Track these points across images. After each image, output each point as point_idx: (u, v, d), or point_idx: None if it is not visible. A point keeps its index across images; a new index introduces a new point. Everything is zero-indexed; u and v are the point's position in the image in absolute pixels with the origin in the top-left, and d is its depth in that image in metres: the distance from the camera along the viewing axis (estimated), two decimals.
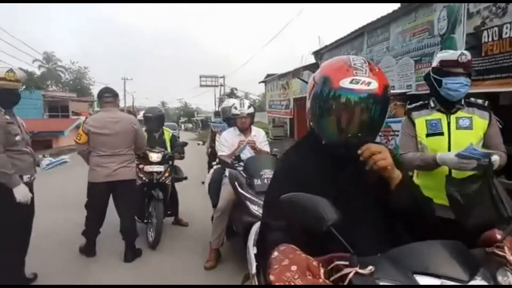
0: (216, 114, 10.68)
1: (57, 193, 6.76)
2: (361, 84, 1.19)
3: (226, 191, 3.87)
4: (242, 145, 3.92)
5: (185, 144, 5.29)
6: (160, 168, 4.65)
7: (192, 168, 5.44)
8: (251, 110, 4.08)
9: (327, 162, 1.32)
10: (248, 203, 3.26)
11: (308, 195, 1.05)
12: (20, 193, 3.02)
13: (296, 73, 9.21)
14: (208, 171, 9.24)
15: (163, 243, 4.51)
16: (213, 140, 9.25)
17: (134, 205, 4.23)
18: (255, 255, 1.99)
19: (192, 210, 5.93)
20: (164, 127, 5.25)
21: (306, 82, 11.34)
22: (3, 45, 30.94)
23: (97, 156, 3.90)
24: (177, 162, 5.24)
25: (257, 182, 3.27)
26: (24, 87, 36.97)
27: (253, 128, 4.22)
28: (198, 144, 7.72)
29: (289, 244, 1.05)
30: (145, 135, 4.58)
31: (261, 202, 3.19)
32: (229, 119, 4.56)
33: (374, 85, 1.20)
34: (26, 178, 3.19)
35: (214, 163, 4.46)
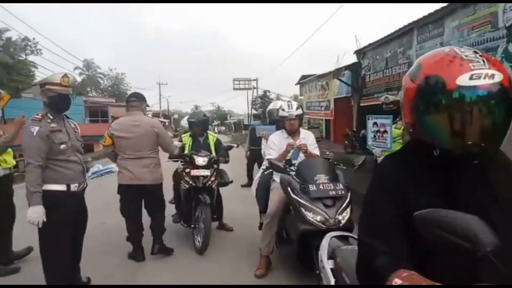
0: (256, 116, 10.55)
1: (102, 196, 6.91)
2: (484, 78, 0.97)
3: (275, 196, 3.74)
4: (292, 149, 3.76)
5: (230, 147, 5.20)
6: (206, 172, 4.58)
7: (230, 170, 5.33)
8: (300, 111, 3.93)
9: (438, 173, 1.12)
10: (303, 210, 3.10)
11: (453, 212, 0.85)
12: (32, 213, 2.77)
13: (337, 73, 8.96)
14: (247, 174, 9.36)
15: (210, 249, 4.43)
16: (251, 143, 9.26)
17: (162, 205, 4.29)
18: (332, 269, 1.83)
19: (235, 214, 5.84)
20: (208, 131, 5.20)
21: (346, 83, 11.07)
22: (46, 54, 32.47)
23: (122, 159, 4.03)
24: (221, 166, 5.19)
25: (312, 187, 3.10)
26: None
27: (302, 130, 4.07)
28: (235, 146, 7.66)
29: (410, 270, 0.89)
30: (171, 139, 4.58)
31: (317, 209, 3.04)
32: (276, 121, 4.42)
33: (499, 77, 0.98)
34: (73, 187, 3.04)
35: (263, 167, 4.34)
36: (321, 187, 3.11)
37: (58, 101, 3.04)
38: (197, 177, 4.54)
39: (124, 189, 4.07)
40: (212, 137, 5.15)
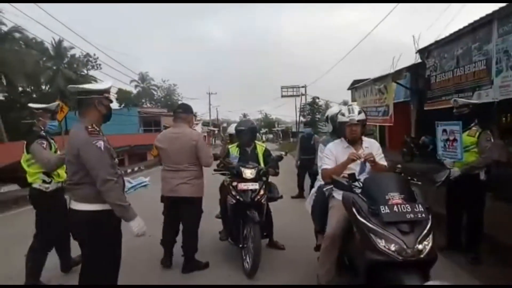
0: (307, 124, 10.04)
1: (139, 206, 6.74)
2: None
3: (335, 216, 3.22)
4: (356, 160, 3.20)
5: (280, 158, 4.74)
6: (255, 186, 4.16)
7: (279, 180, 4.85)
8: (362, 116, 3.38)
9: None
10: (372, 236, 2.54)
11: None
12: (137, 226, 2.61)
13: (397, 75, 8.20)
14: (298, 185, 8.83)
15: (260, 271, 3.96)
16: (302, 151, 8.74)
17: (196, 222, 4.16)
18: None
19: (286, 230, 5.35)
20: (256, 141, 4.79)
21: (405, 86, 10.18)
22: (105, 69, 34.44)
23: (163, 170, 4.11)
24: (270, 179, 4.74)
25: (384, 209, 2.53)
26: (123, 105, 41.23)
27: (365, 139, 3.50)
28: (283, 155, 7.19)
29: None
30: (210, 152, 4.32)
31: (391, 236, 2.48)
32: (334, 128, 3.89)
33: None
34: None
35: (319, 180, 3.82)
36: (395, 209, 2.53)
37: (111, 110, 2.83)
38: (245, 191, 4.13)
39: (164, 199, 4.19)
40: (260, 147, 4.72)
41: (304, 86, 37.60)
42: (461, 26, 6.32)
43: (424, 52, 7.22)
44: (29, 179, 3.67)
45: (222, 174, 4.52)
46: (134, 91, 52.56)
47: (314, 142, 8.27)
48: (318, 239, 3.76)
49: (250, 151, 4.62)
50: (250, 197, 4.09)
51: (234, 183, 4.18)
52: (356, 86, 12.47)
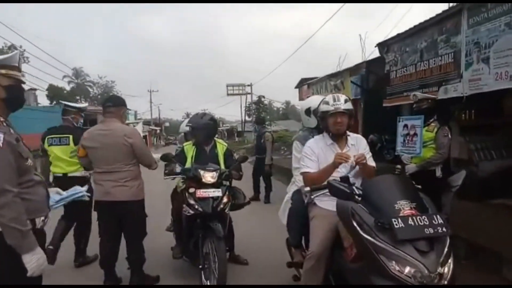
0: (258, 122, 9.36)
1: None
2: None
3: (320, 229, 2.66)
4: (344, 162, 2.63)
5: (245, 159, 4.08)
6: (218, 192, 3.45)
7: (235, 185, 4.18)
8: (349, 105, 2.82)
9: None
10: (382, 258, 1.98)
11: None
12: (35, 263, 1.85)
13: (356, 69, 7.93)
14: (254, 186, 8.21)
15: None
16: (256, 150, 8.14)
17: (140, 229, 3.57)
18: None
19: (246, 240, 4.71)
20: (216, 139, 4.07)
21: (356, 84, 10.04)
22: (34, 61, 31.15)
23: (96, 173, 3.53)
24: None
25: (397, 224, 1.97)
26: (54, 102, 37.75)
27: (350, 134, 2.96)
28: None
29: None
30: (149, 150, 3.72)
31: (407, 257, 1.93)
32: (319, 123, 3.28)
33: None
34: (39, 222, 2.03)
35: (296, 183, 3.20)
36: (410, 222, 1.99)
37: (19, 94, 2.08)
38: (205, 199, 3.41)
39: (98, 206, 3.53)
40: (221, 145, 4.01)
41: (250, 85, 37.26)
42: (411, 25, 6.16)
43: (383, 46, 6.97)
44: (69, 169, 4.15)
45: (182, 179, 3.75)
46: (68, 87, 48.66)
47: (264, 141, 7.77)
48: (294, 255, 3.16)
49: (209, 150, 3.89)
50: (212, 206, 3.38)
51: (191, 190, 3.44)
52: (309, 82, 12.17)
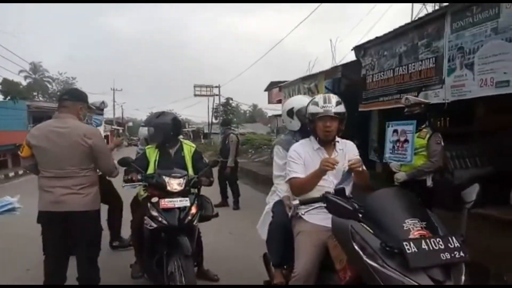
0: (223, 124, 8.89)
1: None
2: None
3: (307, 247, 2.31)
4: (332, 169, 2.27)
5: (216, 163, 3.64)
6: (185, 202, 3.00)
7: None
8: (342, 108, 2.48)
9: None
10: None
11: None
12: None
13: (332, 72, 7.71)
14: (221, 191, 7.75)
15: None
16: (221, 153, 7.66)
17: (94, 244, 3.00)
18: None
19: (215, 253, 4.26)
20: (183, 140, 3.61)
21: (328, 89, 9.89)
22: None
23: (42, 177, 2.88)
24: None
25: (409, 248, 1.63)
26: (8, 97, 35.27)
27: (339, 140, 2.61)
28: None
29: None
30: (110, 154, 3.15)
31: None
32: (306, 126, 2.91)
33: None
34: None
35: (277, 193, 2.81)
36: (424, 245, 1.65)
37: None
38: (171, 210, 2.94)
39: (44, 218, 2.89)
40: (188, 147, 3.54)
41: (218, 86, 36.68)
42: (386, 30, 6.02)
43: (360, 49, 6.78)
44: None
45: (134, 187, 3.25)
46: (24, 83, 45.88)
47: (229, 142, 7.38)
48: (274, 276, 2.76)
49: (175, 153, 3.43)
50: (178, 218, 2.92)
51: (154, 199, 2.97)
52: (280, 85, 11.89)
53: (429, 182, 3.70)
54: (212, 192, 7.41)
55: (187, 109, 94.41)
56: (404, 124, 3.76)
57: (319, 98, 2.52)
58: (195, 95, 36.52)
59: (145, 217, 2.99)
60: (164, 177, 3.03)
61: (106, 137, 46.70)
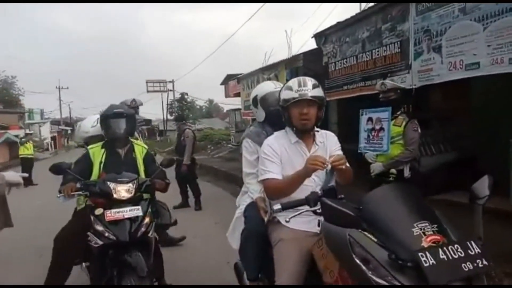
0: (177, 119, 8.26)
1: None
2: None
3: (290, 257, 1.95)
4: (321, 169, 1.89)
5: (171, 162, 3.16)
6: (137, 211, 2.50)
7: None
8: (319, 92, 2.12)
9: None
10: None
11: None
12: None
13: (292, 61, 7.39)
14: (181, 191, 7.20)
15: None
16: (176, 150, 7.09)
17: None
18: None
19: (177, 264, 3.81)
20: (134, 140, 3.08)
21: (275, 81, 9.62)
22: None
23: None
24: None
25: (425, 260, 1.29)
26: None
27: (319, 130, 2.25)
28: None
29: None
30: None
31: None
32: (271, 115, 2.51)
33: None
34: None
35: (249, 194, 2.39)
36: (442, 255, 1.32)
37: None
38: (119, 222, 2.44)
39: None
40: (140, 148, 3.02)
41: (172, 81, 35.49)
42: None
43: (320, 36, 6.52)
44: None
45: (85, 196, 2.70)
46: None
47: (184, 138, 6.89)
48: None
49: (125, 154, 2.90)
50: (130, 231, 2.43)
51: (99, 210, 2.45)
52: (238, 77, 11.45)
53: (407, 173, 3.47)
54: (171, 193, 6.94)
55: (140, 106, 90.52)
56: (379, 111, 3.51)
57: (293, 81, 2.14)
58: (148, 91, 35.08)
59: (89, 233, 2.47)
60: (109, 183, 2.51)
61: (54, 138, 43.64)
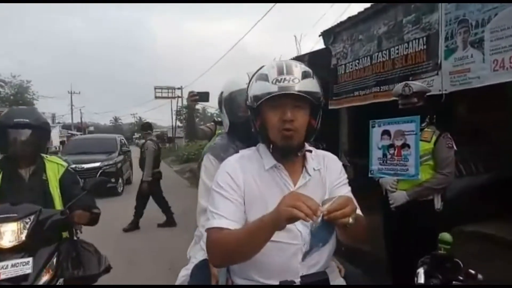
0: (144, 128, 7.19)
1: None
2: None
3: None
4: (309, 221, 0.97)
5: (103, 182, 2.23)
6: (23, 267, 1.61)
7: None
8: (313, 86, 1.23)
9: None
10: None
11: None
12: None
13: (300, 60, 6.56)
14: (163, 209, 6.32)
15: None
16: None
17: None
18: None
19: None
20: (48, 157, 2.17)
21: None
22: None
23: None
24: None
25: None
26: None
27: (313, 150, 1.33)
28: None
29: None
30: None
31: None
32: (239, 125, 1.64)
33: None
34: None
35: (199, 251, 1.48)
36: None
37: None
38: None
39: None
40: (54, 166, 2.11)
41: (181, 88, 34.98)
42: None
43: (329, 34, 5.63)
44: None
45: None
46: None
47: (144, 151, 6.10)
48: None
49: (30, 176, 2.01)
50: None
51: None
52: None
53: (438, 204, 2.54)
54: (151, 208, 6.06)
55: (151, 112, 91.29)
56: (400, 122, 2.57)
57: (269, 67, 1.24)
58: (156, 97, 34.71)
59: None
60: None
61: (62, 142, 43.81)
